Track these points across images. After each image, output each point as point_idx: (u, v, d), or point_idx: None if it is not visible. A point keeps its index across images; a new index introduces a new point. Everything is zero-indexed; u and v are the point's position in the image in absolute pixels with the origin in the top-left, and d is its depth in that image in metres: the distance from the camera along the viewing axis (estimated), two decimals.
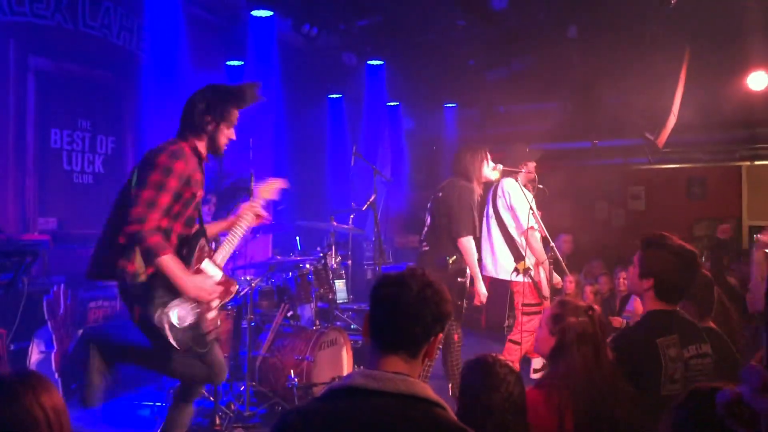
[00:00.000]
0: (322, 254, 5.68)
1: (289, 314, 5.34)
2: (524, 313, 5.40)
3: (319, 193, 8.84)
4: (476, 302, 4.84)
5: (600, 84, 7.69)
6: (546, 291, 5.31)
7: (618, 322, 5.65)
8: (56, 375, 4.77)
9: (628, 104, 8.18)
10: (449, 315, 1.83)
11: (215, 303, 3.25)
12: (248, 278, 5.31)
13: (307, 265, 5.47)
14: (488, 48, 7.85)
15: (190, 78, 6.59)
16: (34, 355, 4.70)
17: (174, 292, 3.03)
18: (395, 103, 9.77)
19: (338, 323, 5.75)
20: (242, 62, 7.38)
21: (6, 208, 5.37)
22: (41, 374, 1.57)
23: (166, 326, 3.00)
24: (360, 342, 6.06)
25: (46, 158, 5.72)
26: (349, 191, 8.67)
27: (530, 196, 5.26)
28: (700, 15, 6.30)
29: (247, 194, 4.55)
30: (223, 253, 3.38)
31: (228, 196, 6.26)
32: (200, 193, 3.27)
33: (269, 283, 5.56)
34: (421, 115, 10.26)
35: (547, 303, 5.35)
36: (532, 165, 5.53)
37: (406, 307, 1.76)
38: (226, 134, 3.32)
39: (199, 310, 3.14)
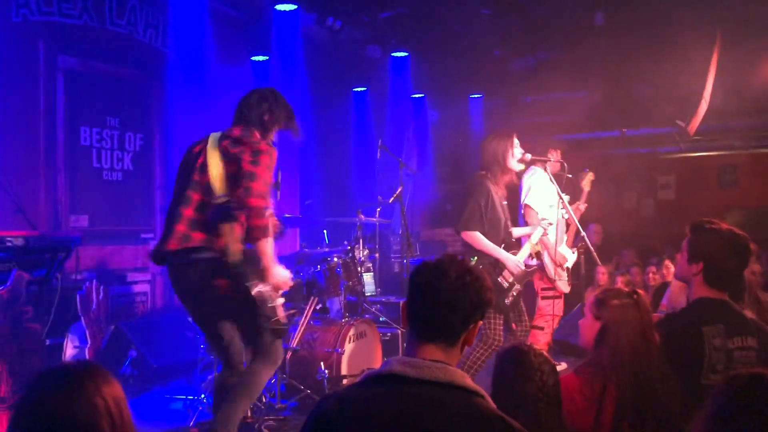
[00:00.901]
0: (349, 247, 5.68)
1: (318, 307, 5.35)
2: (543, 298, 5.39)
3: (345, 186, 8.84)
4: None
5: (629, 71, 7.57)
6: (551, 273, 5.26)
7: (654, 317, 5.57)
8: None
9: (657, 91, 8.04)
10: (489, 302, 1.80)
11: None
12: None
13: (335, 258, 5.47)
14: (514, 37, 7.76)
15: (216, 74, 6.63)
16: (69, 350, 4.77)
17: (259, 274, 3.20)
18: (420, 95, 9.72)
19: (367, 316, 5.74)
20: (267, 57, 7.39)
21: (38, 206, 5.45)
22: (101, 366, 1.59)
23: (266, 299, 3.19)
24: (389, 334, 6.05)
25: (76, 156, 5.80)
26: (375, 184, 8.66)
27: (555, 186, 5.20)
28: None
29: (275, 189, 4.56)
30: None
31: None
32: None
33: (298, 276, 5.58)
34: (447, 106, 10.20)
35: (558, 287, 5.33)
36: (557, 153, 5.46)
37: (445, 295, 1.73)
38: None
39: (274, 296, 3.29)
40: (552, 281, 5.31)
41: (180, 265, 3.27)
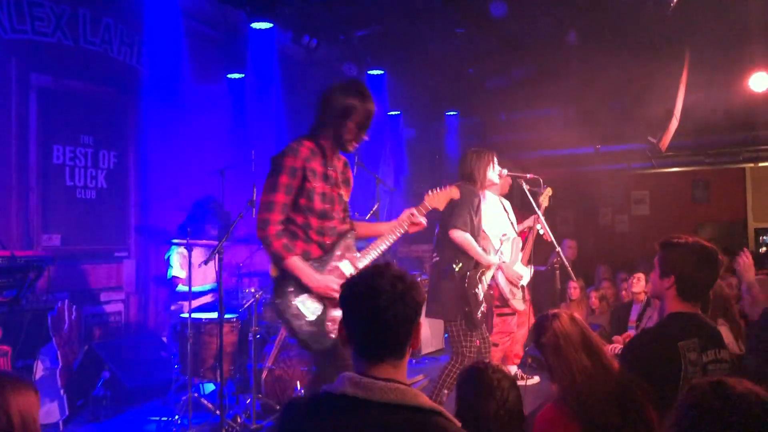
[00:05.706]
0: None
1: None
2: (498, 314, 5.43)
3: None
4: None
5: (601, 89, 7.69)
6: (505, 293, 5.32)
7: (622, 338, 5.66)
8: (61, 391, 4.72)
9: (629, 108, 8.16)
10: (424, 301, 1.77)
11: None
12: (252, 290, 5.29)
13: None
14: (488, 56, 7.85)
15: (191, 91, 6.61)
16: (39, 372, 4.67)
17: (303, 287, 3.18)
18: (396, 113, 9.76)
19: None
20: (243, 75, 7.39)
21: (9, 225, 5.37)
22: (15, 377, 1.56)
23: (288, 313, 3.13)
24: None
25: (48, 174, 5.73)
26: (352, 200, 8.64)
27: (506, 203, 5.43)
28: (701, 17, 6.29)
29: (250, 207, 4.54)
30: (368, 257, 3.43)
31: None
32: (320, 186, 3.34)
33: None
34: (422, 123, 10.26)
35: (512, 305, 5.41)
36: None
37: (386, 317, 1.68)
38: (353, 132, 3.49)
39: (324, 309, 3.21)
40: (506, 299, 5.37)
41: None
